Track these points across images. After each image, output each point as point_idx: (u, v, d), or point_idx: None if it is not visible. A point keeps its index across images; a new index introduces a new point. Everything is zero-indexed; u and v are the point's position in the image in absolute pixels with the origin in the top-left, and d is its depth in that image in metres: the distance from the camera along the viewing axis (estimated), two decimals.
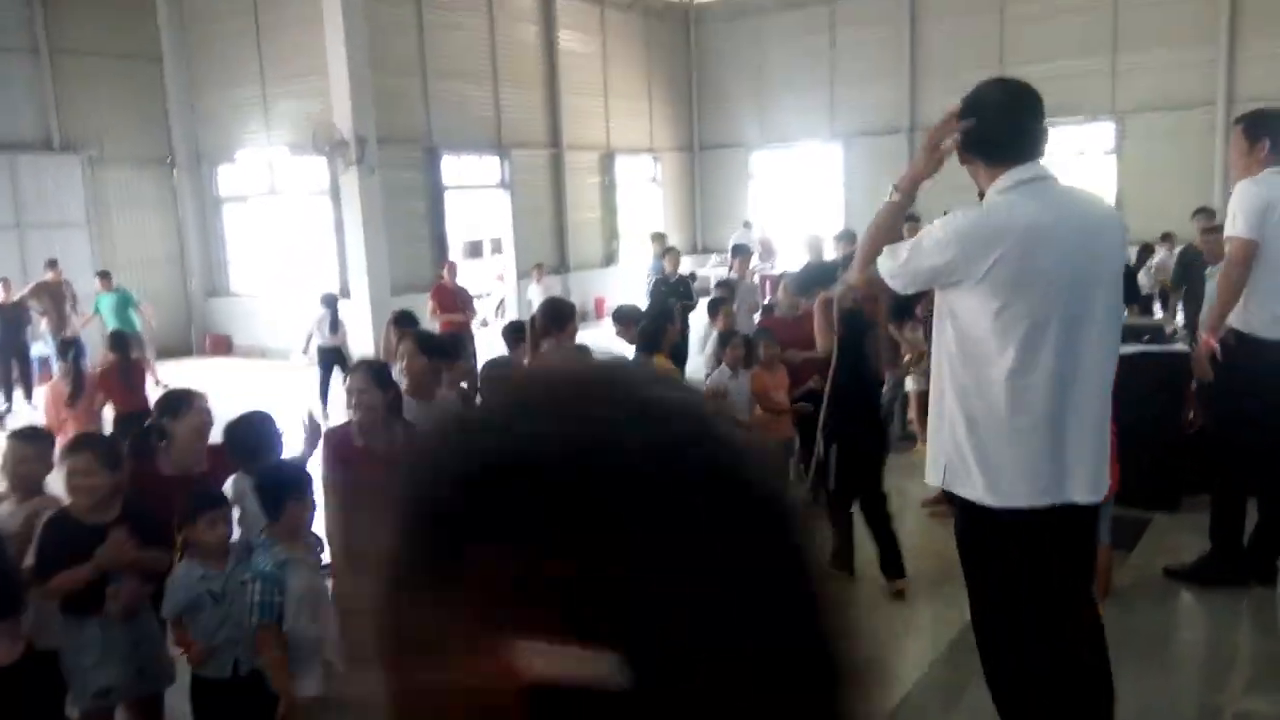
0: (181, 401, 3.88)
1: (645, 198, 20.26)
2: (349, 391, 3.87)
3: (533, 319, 5.50)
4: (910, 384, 7.63)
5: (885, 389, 7.85)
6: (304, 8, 14.47)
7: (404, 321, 7.55)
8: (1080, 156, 16.49)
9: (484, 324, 17.46)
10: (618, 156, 19.11)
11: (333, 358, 10.75)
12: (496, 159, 16.79)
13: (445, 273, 11.45)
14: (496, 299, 17.79)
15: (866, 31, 18.38)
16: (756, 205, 20.08)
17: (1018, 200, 2.53)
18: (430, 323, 10.50)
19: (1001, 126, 2.59)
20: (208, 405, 3.95)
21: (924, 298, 7.42)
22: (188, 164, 16.30)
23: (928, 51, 17.80)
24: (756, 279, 11.72)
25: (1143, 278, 11.04)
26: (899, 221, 2.84)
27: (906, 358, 7.30)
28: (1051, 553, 2.60)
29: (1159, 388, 5.24)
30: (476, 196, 17.21)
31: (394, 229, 14.85)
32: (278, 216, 16.17)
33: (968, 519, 2.73)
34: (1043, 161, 2.64)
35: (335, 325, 10.94)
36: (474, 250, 20.10)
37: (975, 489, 2.59)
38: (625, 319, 6.37)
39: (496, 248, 19.74)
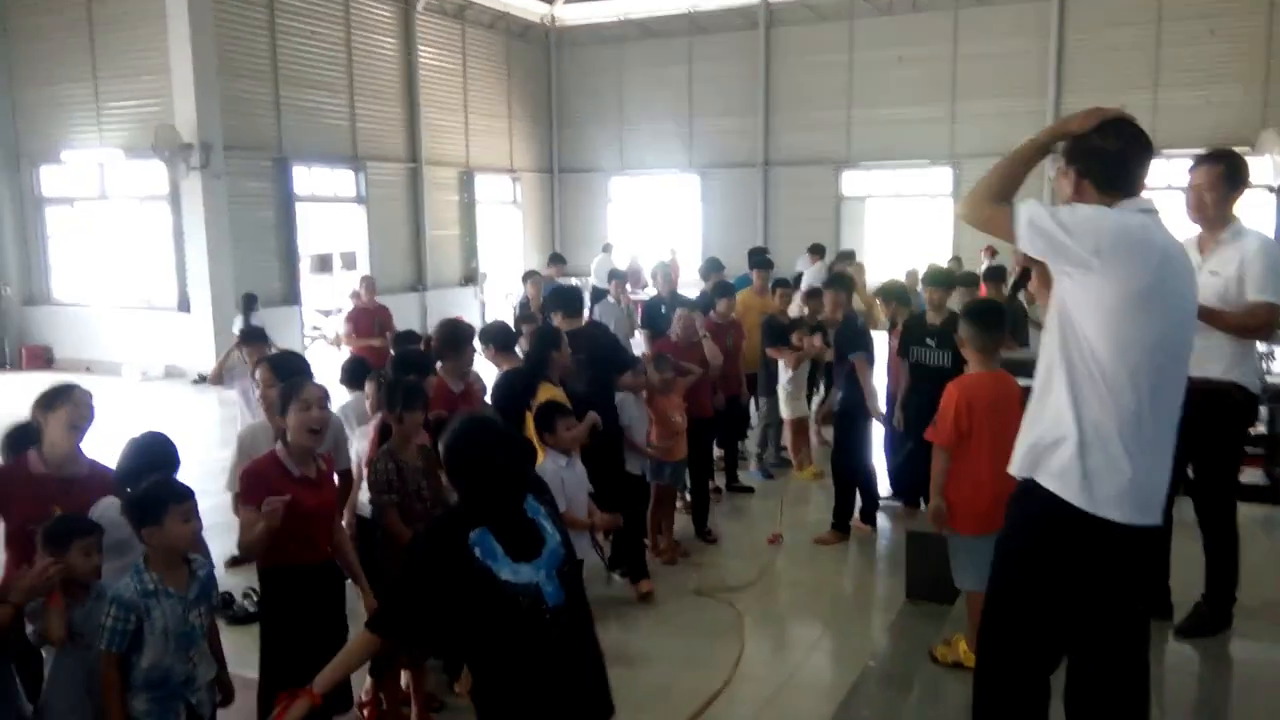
0: (58, 394, 3.52)
1: (504, 218, 20.03)
2: (304, 403, 3.47)
3: (428, 340, 5.26)
4: (785, 411, 7.79)
5: (761, 414, 8.00)
6: (143, 2, 13.61)
7: (253, 338, 6.97)
8: (922, 198, 17.45)
9: (337, 342, 16.79)
10: (477, 175, 18.83)
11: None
12: (351, 172, 16.22)
13: (361, 290, 9.93)
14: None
15: (723, 67, 18.86)
16: (616, 229, 20.18)
17: (1150, 224, 2.57)
18: (341, 350, 9.82)
19: (1132, 158, 2.62)
20: (89, 400, 3.58)
21: (797, 329, 7.62)
22: (5, 163, 14.99)
23: (781, 90, 18.42)
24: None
25: None
26: (1035, 162, 2.70)
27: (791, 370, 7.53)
28: (1107, 570, 2.61)
29: None
30: (329, 210, 16.54)
31: (239, 240, 14.11)
32: (109, 222, 15.06)
33: (1040, 512, 2.64)
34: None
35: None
36: (322, 265, 19.30)
37: (1060, 483, 2.57)
38: (495, 339, 5.69)
39: (349, 263, 19.03)
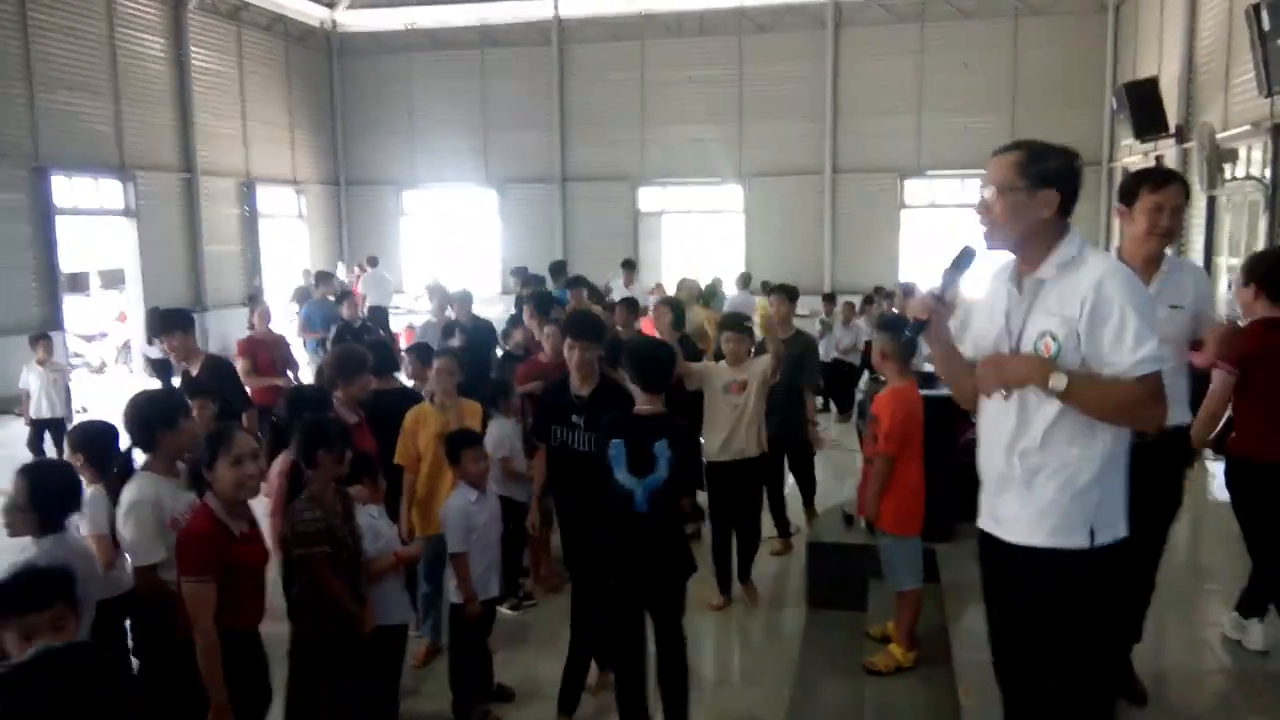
0: None
1: (289, 232, 18.91)
2: (235, 457, 3.10)
3: (319, 371, 4.85)
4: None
5: None
6: None
7: None
8: (717, 214, 18.15)
9: (101, 369, 15.25)
10: (259, 186, 17.67)
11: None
12: (119, 182, 14.77)
13: (256, 319, 8.44)
14: (119, 341, 15.56)
15: (518, 83, 18.73)
16: (409, 245, 19.60)
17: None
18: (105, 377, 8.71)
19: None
20: None
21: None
22: None
23: (576, 106, 18.55)
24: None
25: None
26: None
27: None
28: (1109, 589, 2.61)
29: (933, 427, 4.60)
30: (95, 224, 14.99)
31: None
32: None
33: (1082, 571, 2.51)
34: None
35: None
36: (74, 284, 17.41)
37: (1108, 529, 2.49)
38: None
39: (111, 282, 17.36)
